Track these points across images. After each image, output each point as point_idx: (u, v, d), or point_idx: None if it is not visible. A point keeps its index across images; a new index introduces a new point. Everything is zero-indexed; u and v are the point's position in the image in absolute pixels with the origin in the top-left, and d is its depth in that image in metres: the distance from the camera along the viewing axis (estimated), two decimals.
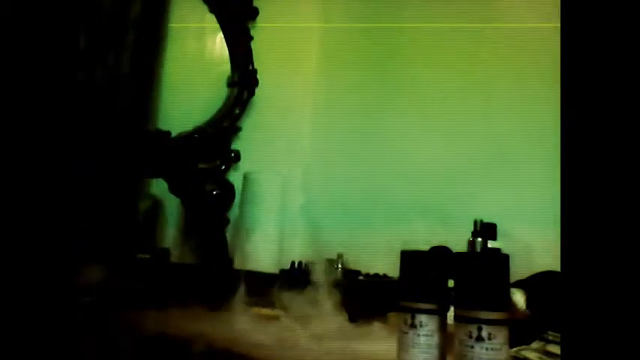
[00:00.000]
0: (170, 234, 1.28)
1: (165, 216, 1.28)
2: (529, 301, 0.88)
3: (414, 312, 0.53)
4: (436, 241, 0.79)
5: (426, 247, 0.61)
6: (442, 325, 0.53)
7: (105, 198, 1.08)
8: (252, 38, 1.44)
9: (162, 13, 1.29)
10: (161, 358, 0.77)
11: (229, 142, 1.38)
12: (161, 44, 1.29)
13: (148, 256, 1.16)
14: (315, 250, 1.36)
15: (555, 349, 0.66)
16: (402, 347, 0.53)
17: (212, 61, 1.44)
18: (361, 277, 1.21)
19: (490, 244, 1.03)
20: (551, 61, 1.15)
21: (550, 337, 0.70)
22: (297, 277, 1.21)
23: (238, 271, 1.23)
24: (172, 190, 1.22)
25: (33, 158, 0.95)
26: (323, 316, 0.91)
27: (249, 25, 1.44)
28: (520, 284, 0.94)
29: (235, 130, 1.39)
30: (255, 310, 0.99)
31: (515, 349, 0.66)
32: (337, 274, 1.20)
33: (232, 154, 1.38)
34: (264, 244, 1.29)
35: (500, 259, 0.51)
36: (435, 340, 0.52)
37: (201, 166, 1.29)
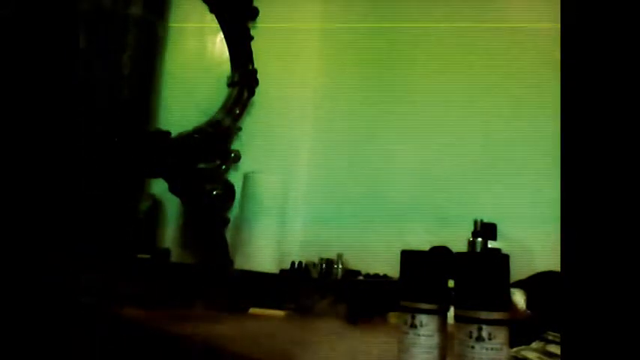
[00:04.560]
0: (170, 234, 1.28)
1: (165, 216, 1.28)
2: (529, 301, 0.88)
3: (414, 312, 0.53)
4: (436, 241, 0.79)
5: (426, 247, 0.61)
6: (442, 325, 0.53)
7: (105, 198, 1.08)
8: (252, 38, 1.44)
9: (162, 13, 1.29)
10: (161, 358, 0.77)
11: (229, 142, 1.38)
12: (161, 44, 1.29)
13: (148, 256, 1.16)
14: (315, 250, 1.36)
15: (555, 349, 0.66)
16: (402, 347, 0.53)
17: (212, 61, 1.44)
18: (361, 277, 1.21)
19: (490, 244, 1.03)
20: (551, 61, 1.15)
21: (550, 337, 0.70)
22: (297, 277, 1.21)
23: (238, 271, 1.23)
24: (172, 190, 1.22)
25: (33, 158, 0.95)
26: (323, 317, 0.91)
27: (249, 25, 1.44)
28: (520, 284, 0.94)
29: (235, 130, 1.39)
30: (255, 310, 0.99)
31: (515, 349, 0.66)
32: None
33: (232, 154, 1.38)
34: (264, 244, 1.29)
35: (500, 259, 0.50)
36: (435, 340, 0.52)
37: (201, 166, 1.29)
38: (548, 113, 1.12)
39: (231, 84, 1.41)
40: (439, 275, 0.54)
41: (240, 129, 1.40)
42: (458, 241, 1.01)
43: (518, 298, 0.88)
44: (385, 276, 1.19)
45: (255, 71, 1.44)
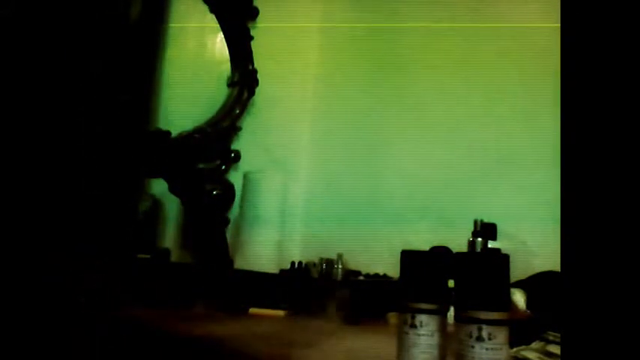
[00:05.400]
0: (170, 234, 1.28)
1: (166, 216, 1.28)
2: (529, 301, 0.88)
3: (414, 312, 0.53)
4: (436, 241, 0.79)
5: (426, 247, 0.61)
6: (442, 325, 0.53)
7: (105, 198, 1.08)
8: (252, 38, 1.44)
9: (162, 13, 1.29)
10: (161, 358, 0.77)
11: (229, 142, 1.38)
12: (161, 44, 1.29)
13: (148, 256, 1.16)
14: (315, 250, 1.36)
15: (555, 349, 0.66)
16: (402, 347, 0.53)
17: (212, 61, 1.44)
18: (361, 277, 1.21)
19: (490, 244, 1.03)
20: (551, 61, 1.15)
21: (550, 337, 0.70)
22: (297, 277, 1.21)
23: (238, 271, 1.23)
24: (172, 190, 1.22)
25: (33, 158, 0.95)
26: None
27: (249, 25, 1.44)
28: (520, 284, 0.94)
29: (235, 130, 1.39)
30: (255, 310, 0.99)
31: (515, 349, 0.66)
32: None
33: (232, 154, 1.38)
34: (265, 244, 1.29)
35: (500, 259, 0.51)
36: (435, 340, 0.52)
37: (201, 166, 1.29)
38: (549, 113, 1.12)
39: (231, 84, 1.41)
40: (439, 275, 0.54)
41: (240, 129, 1.40)
42: (458, 241, 1.01)
43: (518, 298, 0.88)
44: (385, 276, 1.19)
45: (255, 71, 1.44)
